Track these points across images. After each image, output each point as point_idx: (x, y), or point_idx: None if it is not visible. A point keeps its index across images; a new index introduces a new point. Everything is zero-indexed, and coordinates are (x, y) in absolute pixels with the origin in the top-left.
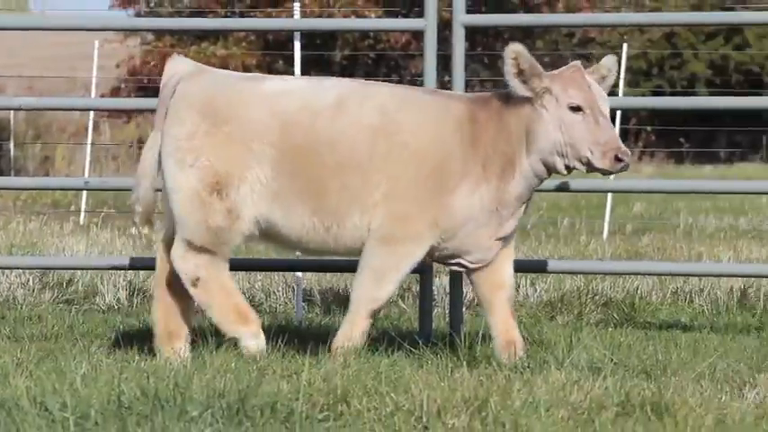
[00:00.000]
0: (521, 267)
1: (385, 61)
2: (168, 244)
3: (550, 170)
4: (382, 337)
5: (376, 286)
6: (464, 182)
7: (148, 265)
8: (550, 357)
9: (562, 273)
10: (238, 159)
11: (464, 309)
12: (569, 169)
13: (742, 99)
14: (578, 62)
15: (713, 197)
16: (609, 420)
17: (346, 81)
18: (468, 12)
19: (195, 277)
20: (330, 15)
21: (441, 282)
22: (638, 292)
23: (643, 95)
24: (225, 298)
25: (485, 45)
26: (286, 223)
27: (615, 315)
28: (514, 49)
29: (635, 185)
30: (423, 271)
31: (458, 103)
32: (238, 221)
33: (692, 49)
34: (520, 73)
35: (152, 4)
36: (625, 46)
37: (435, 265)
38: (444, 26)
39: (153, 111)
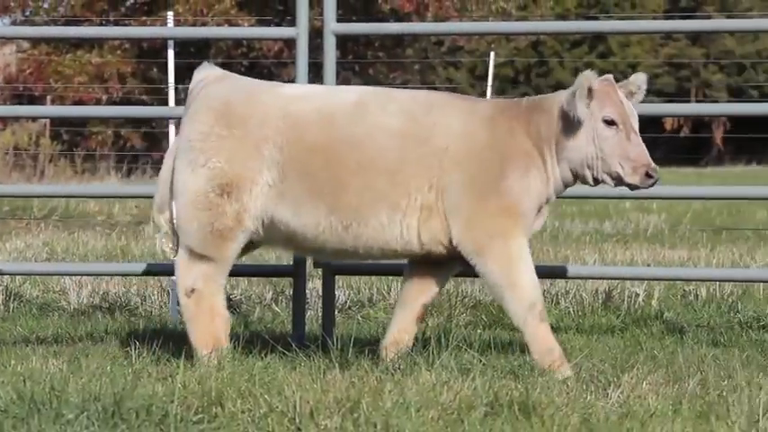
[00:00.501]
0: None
1: (258, 69)
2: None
3: (579, 180)
4: (256, 340)
5: (516, 294)
6: (511, 167)
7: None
8: (420, 359)
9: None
10: (250, 162)
11: (336, 312)
12: (597, 182)
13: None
14: (611, 76)
15: (579, 202)
16: (477, 420)
17: (366, 87)
18: (339, 20)
19: (191, 288)
20: (204, 24)
21: (314, 285)
22: None
23: None
24: (209, 320)
25: (355, 53)
26: (298, 223)
27: (484, 317)
28: (588, 77)
29: None
30: (296, 275)
31: (484, 104)
32: (245, 223)
33: (557, 57)
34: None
35: (28, 13)
36: (492, 54)
37: (309, 269)
38: (316, 34)
39: (29, 118)
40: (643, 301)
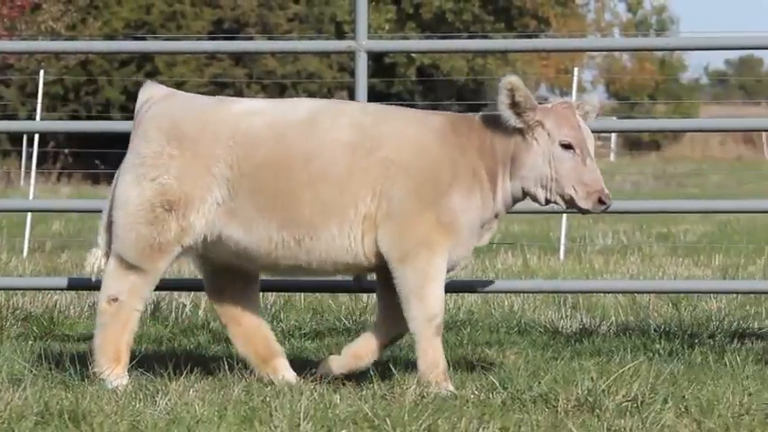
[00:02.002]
0: None
1: None
2: (212, 288)
3: (529, 197)
4: None
5: (423, 305)
6: (457, 186)
7: None
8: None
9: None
10: (200, 181)
11: None
12: (548, 202)
13: None
14: (571, 99)
15: None
16: (28, 429)
17: (318, 99)
18: None
19: (114, 297)
20: None
21: None
22: (57, 306)
23: (60, 119)
24: (119, 332)
25: None
26: (250, 240)
27: (35, 329)
28: (510, 81)
29: (54, 205)
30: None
31: (435, 117)
32: (186, 240)
33: (106, 76)
34: (514, 105)
35: None
36: (42, 72)
37: None
38: None
39: None
40: (190, 311)
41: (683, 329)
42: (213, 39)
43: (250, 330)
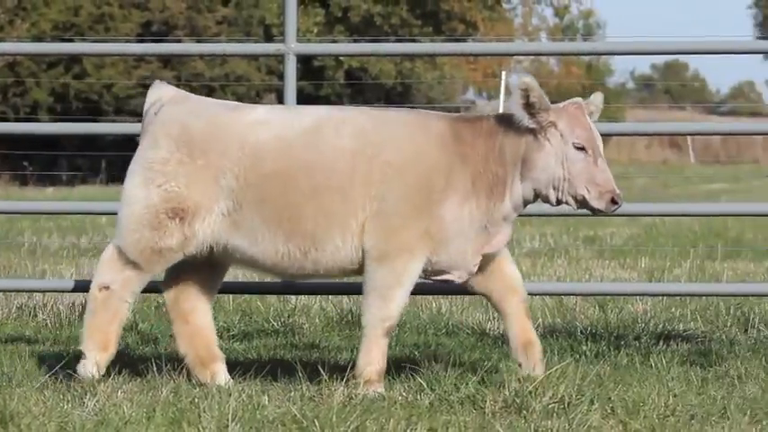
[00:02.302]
0: None
1: None
2: (171, 281)
3: (540, 198)
4: None
5: (384, 305)
6: (451, 195)
7: None
8: None
9: None
10: (208, 192)
11: None
12: (559, 203)
13: (82, 125)
14: (580, 99)
15: (56, 217)
16: None
17: (322, 108)
18: None
19: (106, 285)
20: None
21: None
22: None
23: None
24: (108, 320)
25: None
26: (257, 251)
27: None
28: (525, 81)
29: None
30: None
31: (438, 121)
32: (188, 248)
33: (33, 78)
34: (528, 105)
35: None
36: None
37: None
38: None
39: None
40: None
41: (609, 331)
42: (142, 41)
43: (196, 331)
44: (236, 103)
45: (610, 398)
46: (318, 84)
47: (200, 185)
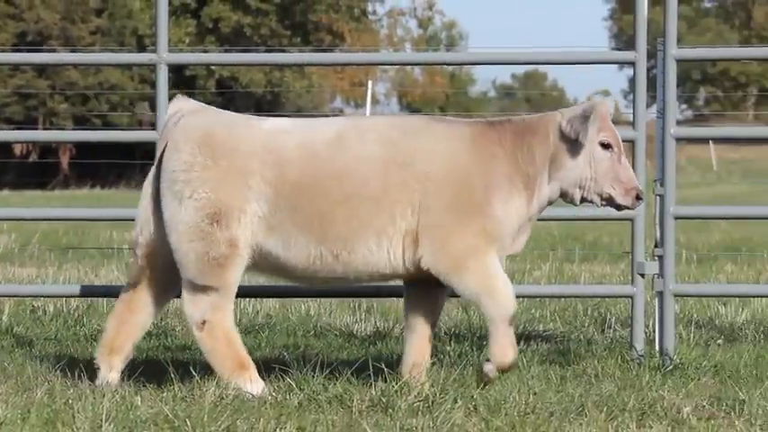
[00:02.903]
0: None
1: None
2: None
3: (565, 198)
4: None
5: (494, 302)
6: (495, 192)
7: None
8: None
9: None
10: (237, 192)
11: None
12: (583, 201)
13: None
14: (604, 98)
15: None
16: None
17: (342, 117)
18: None
19: (202, 320)
20: None
21: None
22: None
23: None
24: (227, 346)
25: None
26: (289, 255)
27: None
28: (605, 104)
29: None
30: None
31: (464, 126)
32: (239, 251)
33: None
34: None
35: None
36: None
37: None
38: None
39: None
40: None
41: (472, 332)
42: (17, 51)
43: (130, 321)
44: (259, 116)
45: (472, 396)
46: (190, 93)
47: (226, 186)
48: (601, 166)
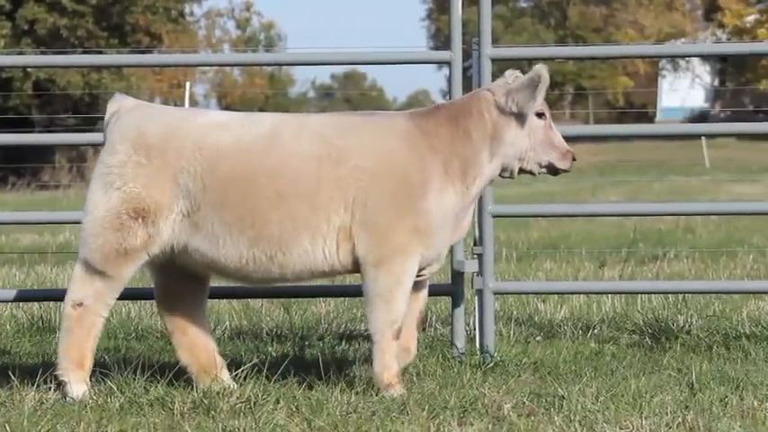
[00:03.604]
0: None
1: None
2: (163, 296)
3: (505, 174)
4: None
5: (388, 309)
6: (430, 186)
7: None
8: None
9: None
10: (167, 191)
11: None
12: (522, 172)
13: None
14: (541, 67)
15: None
16: None
17: (278, 114)
18: None
19: (79, 302)
20: None
21: None
22: None
23: None
24: (83, 338)
25: None
26: (218, 254)
27: None
28: (546, 70)
29: None
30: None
31: (399, 119)
32: (153, 247)
33: None
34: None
35: None
36: None
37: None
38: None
39: None
40: None
41: (294, 332)
42: None
43: (196, 341)
44: (193, 108)
45: (295, 397)
46: (6, 95)
47: (159, 184)
48: (537, 135)
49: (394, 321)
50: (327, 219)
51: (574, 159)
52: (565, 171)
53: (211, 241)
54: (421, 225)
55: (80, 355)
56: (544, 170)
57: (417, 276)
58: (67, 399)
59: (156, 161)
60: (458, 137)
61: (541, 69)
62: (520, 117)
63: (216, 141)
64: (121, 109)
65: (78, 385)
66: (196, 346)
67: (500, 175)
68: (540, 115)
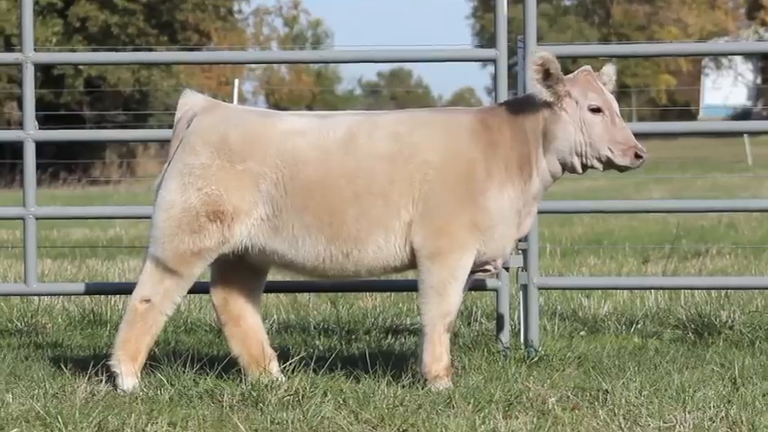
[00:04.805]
0: None
1: None
2: (218, 286)
3: (567, 169)
4: None
5: (442, 301)
6: (490, 183)
7: None
8: None
9: None
10: (247, 196)
11: None
12: (585, 168)
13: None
14: (588, 67)
15: None
16: None
17: (353, 114)
18: None
19: (147, 298)
20: None
21: None
22: None
23: None
24: (143, 332)
25: None
26: (295, 254)
27: None
28: (542, 56)
29: None
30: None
31: (466, 115)
32: (224, 249)
33: None
34: (545, 78)
35: None
36: None
37: None
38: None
39: None
40: None
41: (341, 326)
42: None
43: (248, 332)
44: (267, 110)
45: (342, 390)
46: (58, 92)
47: (240, 189)
48: (594, 131)
49: (446, 314)
50: (398, 215)
51: (638, 156)
52: (626, 168)
53: (291, 243)
54: (480, 220)
55: (136, 348)
56: (606, 166)
57: (482, 272)
58: (117, 390)
59: (238, 167)
60: (516, 134)
61: (530, 55)
62: (569, 112)
63: (296, 147)
64: (195, 107)
65: (129, 378)
66: (248, 337)
67: (563, 170)
68: (595, 111)
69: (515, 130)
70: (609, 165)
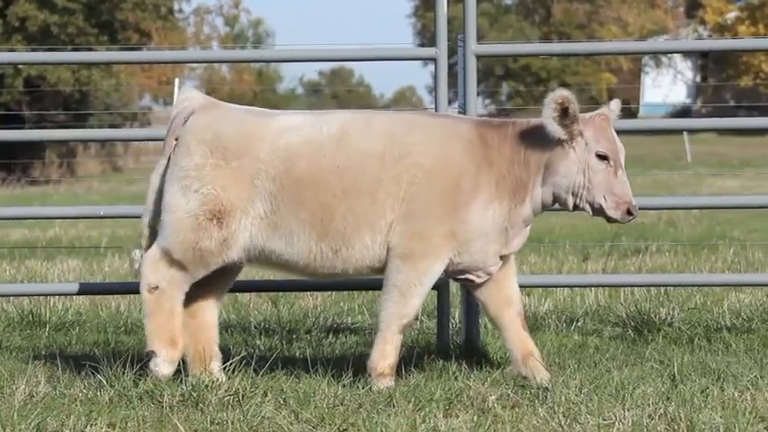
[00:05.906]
0: None
1: None
2: None
3: (558, 203)
4: None
5: (403, 302)
6: (477, 197)
7: None
8: None
9: None
10: (244, 193)
11: None
12: (576, 208)
13: None
14: (607, 110)
15: None
16: None
17: (349, 111)
18: None
19: (155, 285)
20: None
21: None
22: None
23: None
24: (167, 318)
25: None
26: (291, 251)
27: None
28: (562, 95)
29: None
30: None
31: (466, 125)
32: (229, 250)
33: None
34: (563, 116)
35: None
36: None
37: None
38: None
39: None
40: None
41: (281, 326)
42: None
43: (202, 327)
44: (261, 108)
45: (282, 389)
46: None
47: (235, 187)
48: (596, 177)
49: (405, 316)
50: (384, 214)
51: (630, 214)
52: (615, 221)
53: (287, 240)
54: (459, 232)
55: (169, 334)
56: (596, 213)
57: (464, 281)
58: (152, 377)
59: (233, 164)
60: (517, 157)
61: (552, 93)
62: (577, 152)
63: (290, 142)
64: (192, 104)
65: (165, 365)
66: (200, 332)
67: (554, 204)
68: (602, 158)
69: (517, 153)
70: (599, 212)
